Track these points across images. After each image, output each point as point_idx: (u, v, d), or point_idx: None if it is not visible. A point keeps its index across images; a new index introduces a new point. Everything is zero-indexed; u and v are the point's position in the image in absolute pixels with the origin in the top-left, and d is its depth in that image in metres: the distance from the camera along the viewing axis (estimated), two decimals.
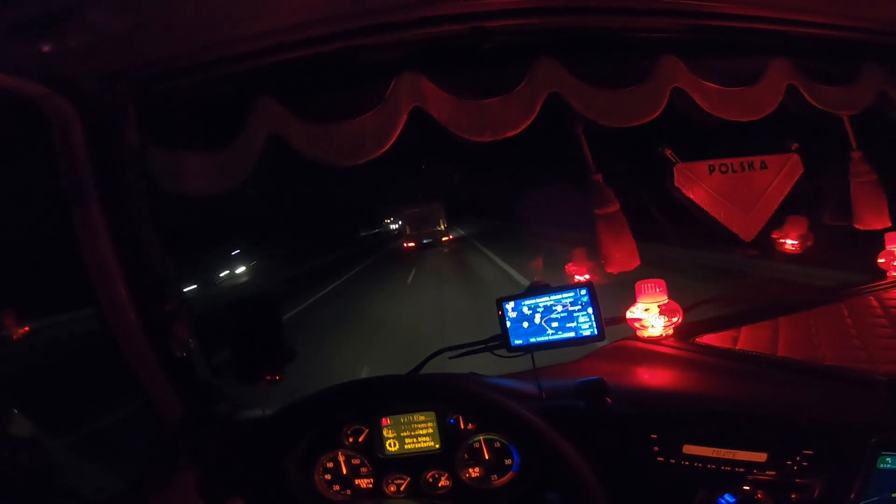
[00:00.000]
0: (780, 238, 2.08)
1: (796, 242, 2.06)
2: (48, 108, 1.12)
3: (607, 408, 1.12)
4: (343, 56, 1.29)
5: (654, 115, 1.49)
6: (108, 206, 1.22)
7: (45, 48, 0.97)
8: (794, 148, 1.87)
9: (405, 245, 25.37)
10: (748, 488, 0.97)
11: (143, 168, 1.28)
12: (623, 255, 1.69)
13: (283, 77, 1.33)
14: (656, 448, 1.06)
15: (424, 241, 24.61)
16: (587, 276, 2.00)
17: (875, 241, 1.90)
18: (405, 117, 1.35)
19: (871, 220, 1.99)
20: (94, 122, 1.18)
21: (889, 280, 1.75)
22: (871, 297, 1.59)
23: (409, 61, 1.36)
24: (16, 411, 1.22)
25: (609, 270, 1.73)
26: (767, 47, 1.60)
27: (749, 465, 0.99)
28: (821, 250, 2.18)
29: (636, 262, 1.70)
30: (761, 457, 0.98)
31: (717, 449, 1.01)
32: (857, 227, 2.02)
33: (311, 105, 1.34)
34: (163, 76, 1.21)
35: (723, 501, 0.98)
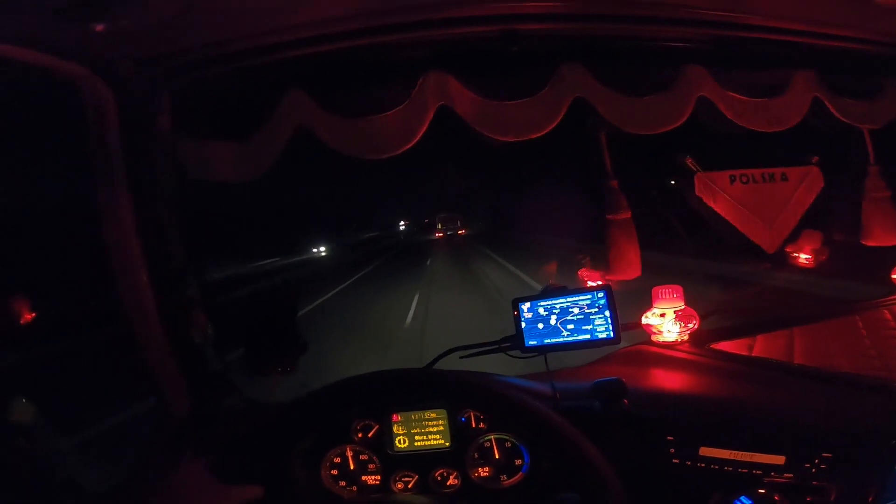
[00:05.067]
0: (794, 252, 2.09)
1: (810, 257, 2.06)
2: (86, 90, 1.14)
3: (624, 409, 1.12)
4: (373, 52, 1.30)
5: (678, 124, 1.50)
6: (136, 189, 1.23)
7: (88, 31, 0.99)
8: (814, 161, 1.87)
9: (437, 235, 39.35)
10: (764, 491, 0.97)
11: (173, 154, 1.29)
12: (627, 264, 1.69)
13: (313, 70, 1.34)
14: (672, 450, 1.06)
15: (448, 234, 38.53)
16: (600, 282, 2.01)
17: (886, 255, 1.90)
18: (431, 114, 1.36)
19: (880, 236, 1.99)
20: (128, 106, 1.19)
21: None
22: (886, 311, 1.59)
23: (437, 60, 1.37)
24: (18, 397, 1.21)
25: (610, 277, 1.73)
26: (793, 59, 1.61)
27: (766, 468, 0.98)
28: (834, 262, 2.18)
29: (638, 273, 1.71)
30: (779, 459, 0.98)
31: (734, 451, 1.01)
32: (864, 242, 2.03)
33: (340, 98, 1.36)
34: (198, 64, 1.23)
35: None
